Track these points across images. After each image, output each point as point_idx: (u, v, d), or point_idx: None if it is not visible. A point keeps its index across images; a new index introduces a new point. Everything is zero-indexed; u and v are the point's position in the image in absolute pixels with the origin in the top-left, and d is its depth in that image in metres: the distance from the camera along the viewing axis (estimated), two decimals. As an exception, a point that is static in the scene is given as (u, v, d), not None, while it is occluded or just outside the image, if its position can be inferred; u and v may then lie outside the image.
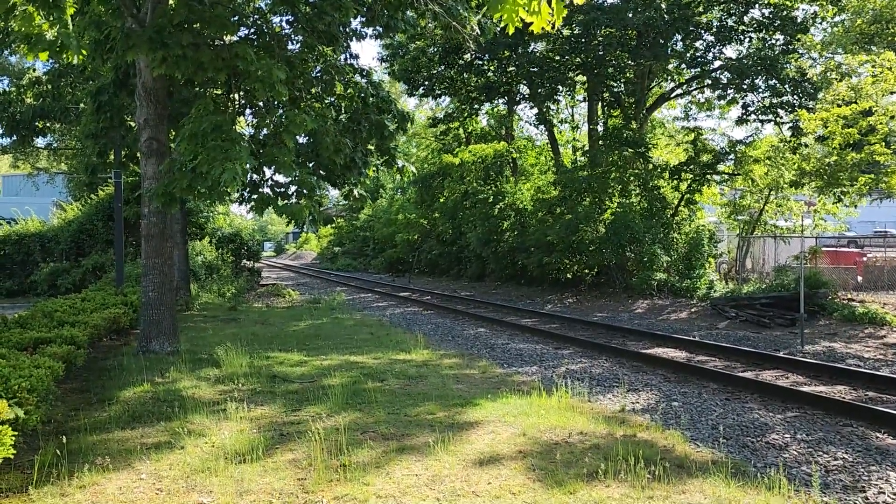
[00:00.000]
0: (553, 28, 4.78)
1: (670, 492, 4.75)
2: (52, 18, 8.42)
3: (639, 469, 4.95)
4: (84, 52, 10.35)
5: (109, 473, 5.08)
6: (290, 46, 11.35)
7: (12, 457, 4.52)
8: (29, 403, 5.17)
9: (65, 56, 9.07)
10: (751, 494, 4.75)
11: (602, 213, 21.14)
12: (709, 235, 21.99)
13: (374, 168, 13.69)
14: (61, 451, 5.23)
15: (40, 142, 26.97)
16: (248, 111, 12.29)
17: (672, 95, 25.86)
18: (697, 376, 9.27)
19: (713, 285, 18.70)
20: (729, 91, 22.38)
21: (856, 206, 19.38)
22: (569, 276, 22.29)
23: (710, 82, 22.79)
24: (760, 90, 21.30)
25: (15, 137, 20.05)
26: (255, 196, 11.01)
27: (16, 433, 4.56)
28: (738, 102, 22.60)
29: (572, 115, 31.94)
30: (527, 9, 4.55)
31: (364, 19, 12.35)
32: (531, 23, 4.65)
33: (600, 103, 25.36)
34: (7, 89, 20.03)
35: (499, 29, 15.55)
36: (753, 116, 22.08)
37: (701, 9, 20.84)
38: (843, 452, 6.02)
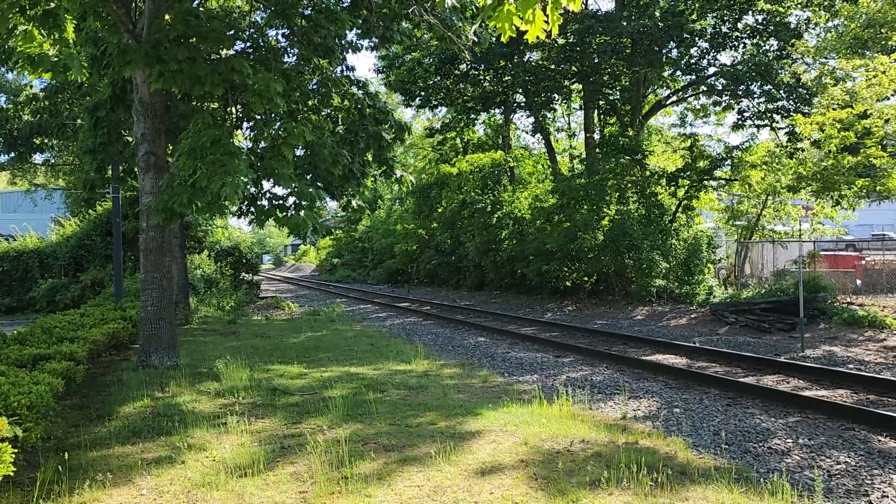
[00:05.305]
0: (548, 36, 4.75)
1: (673, 499, 4.73)
2: (53, 38, 8.41)
3: (641, 476, 4.93)
4: (85, 68, 10.37)
5: (110, 489, 5.05)
6: (286, 59, 11.39)
7: (12, 474, 4.49)
8: (28, 420, 5.15)
9: (68, 75, 9.07)
10: (754, 500, 4.74)
11: (600, 220, 21.17)
12: (707, 241, 22.03)
13: (373, 179, 13.72)
14: (62, 468, 5.20)
15: (38, 158, 27.02)
16: (245, 124, 12.33)
17: (668, 102, 25.96)
18: (698, 382, 9.25)
19: (712, 291, 18.71)
20: (724, 97, 22.47)
21: (853, 210, 19.42)
22: (568, 283, 22.30)
23: (705, 89, 22.88)
24: (756, 96, 21.38)
25: (13, 154, 20.06)
26: (253, 209, 11.03)
27: (16, 450, 4.54)
28: (733, 108, 22.69)
29: (569, 124, 32.07)
30: (521, 17, 4.50)
31: (360, 31, 12.38)
32: (526, 31, 4.61)
33: (596, 111, 25.45)
34: (4, 106, 20.03)
35: (494, 39, 15.62)
36: (749, 122, 22.17)
37: (695, 16, 20.96)
38: (846, 457, 6.01)
